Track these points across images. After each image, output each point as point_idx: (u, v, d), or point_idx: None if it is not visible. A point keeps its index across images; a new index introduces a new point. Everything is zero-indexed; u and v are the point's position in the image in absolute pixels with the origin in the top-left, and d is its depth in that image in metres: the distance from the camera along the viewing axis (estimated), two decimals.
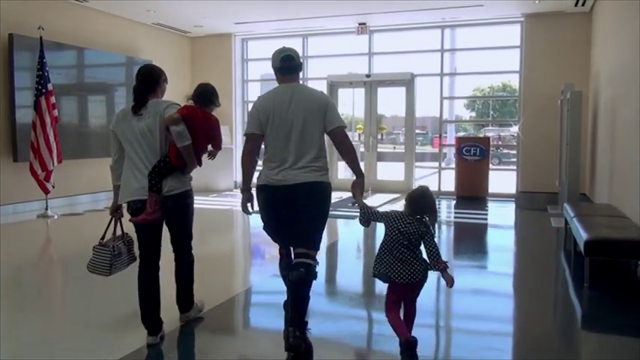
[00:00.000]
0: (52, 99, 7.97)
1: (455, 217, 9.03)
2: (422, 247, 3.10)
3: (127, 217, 3.43)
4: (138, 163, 3.25)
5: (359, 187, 3.26)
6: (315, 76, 12.28)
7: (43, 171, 7.83)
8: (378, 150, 12.24)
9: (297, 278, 3.08)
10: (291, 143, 3.17)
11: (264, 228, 3.36)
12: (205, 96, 3.44)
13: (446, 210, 9.90)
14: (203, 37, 12.41)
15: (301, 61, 3.46)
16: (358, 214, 3.20)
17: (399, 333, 3.01)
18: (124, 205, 3.39)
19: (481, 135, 21.51)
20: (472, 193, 10.39)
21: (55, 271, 5.78)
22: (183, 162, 3.24)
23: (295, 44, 11.98)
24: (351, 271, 5.75)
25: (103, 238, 3.48)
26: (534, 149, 10.23)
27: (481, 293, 4.79)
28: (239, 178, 12.14)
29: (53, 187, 8.05)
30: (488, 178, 10.46)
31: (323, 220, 3.27)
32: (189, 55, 12.57)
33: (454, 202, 10.43)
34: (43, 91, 7.86)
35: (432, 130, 38.69)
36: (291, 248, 3.34)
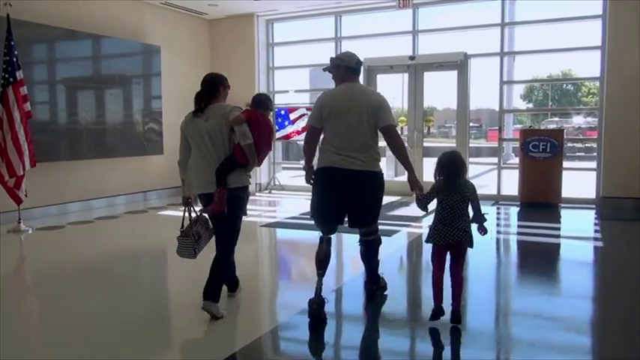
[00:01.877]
0: (23, 90, 6.62)
1: (519, 232, 7.13)
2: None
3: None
4: (204, 161, 3.63)
5: (413, 182, 3.65)
6: None
7: (11, 177, 6.49)
8: (425, 145, 10.41)
9: (367, 251, 3.87)
10: (347, 137, 3.59)
11: (312, 214, 3.80)
12: (261, 102, 3.90)
13: (506, 221, 8.00)
14: (222, 19, 10.89)
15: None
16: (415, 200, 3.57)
17: (434, 298, 3.46)
18: (192, 197, 3.84)
19: (542, 127, 19.28)
20: (540, 199, 8.43)
21: (20, 300, 4.35)
22: (246, 160, 3.60)
23: (327, 24, 10.35)
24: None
25: (182, 227, 3.82)
26: (622, 144, 8.16)
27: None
28: (260, 179, 10.60)
29: (26, 195, 6.72)
30: (561, 181, 8.45)
31: (378, 204, 3.79)
32: (207, 41, 11.08)
33: (517, 209, 8.50)
34: (11, 80, 6.50)
35: (487, 123, 36.32)
36: (330, 236, 3.76)
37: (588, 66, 9.44)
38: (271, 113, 3.90)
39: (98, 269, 5.21)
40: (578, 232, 7.03)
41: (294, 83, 11.59)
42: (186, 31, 10.54)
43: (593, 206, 8.44)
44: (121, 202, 9.10)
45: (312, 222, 3.85)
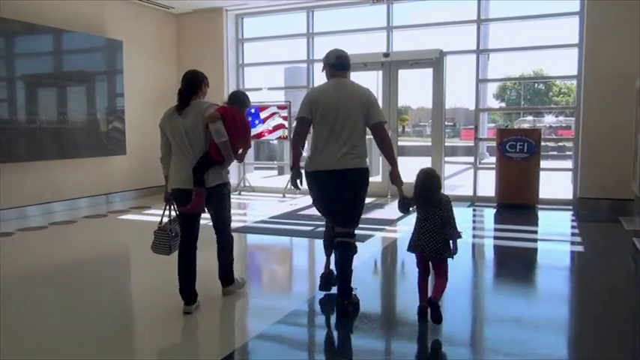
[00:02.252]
0: None
1: (495, 236, 6.85)
2: None
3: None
4: (183, 157, 3.70)
5: (396, 176, 3.73)
6: (321, 57, 10.17)
7: None
8: (400, 144, 10.13)
9: (341, 259, 3.72)
10: (335, 132, 3.62)
11: (314, 204, 3.92)
12: (237, 99, 3.96)
13: (482, 224, 7.76)
14: (189, 13, 10.43)
15: (351, 62, 3.89)
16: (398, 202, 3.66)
17: (420, 298, 3.61)
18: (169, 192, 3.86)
19: (515, 126, 19.37)
20: (518, 200, 8.20)
21: None
22: (221, 157, 3.64)
23: (299, 19, 9.97)
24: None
25: (160, 222, 3.91)
26: (599, 144, 7.99)
27: None
28: (234, 180, 10.19)
29: None
30: (538, 181, 8.24)
31: (361, 202, 3.78)
32: (173, 36, 10.61)
33: (494, 211, 8.27)
34: None
35: (460, 122, 36.41)
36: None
37: (564, 65, 9.22)
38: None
39: (37, 283, 4.75)
40: (556, 234, 6.82)
41: (266, 81, 11.22)
42: (151, 25, 10.05)
43: (571, 207, 8.26)
44: (82, 205, 8.59)
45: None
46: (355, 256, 3.81)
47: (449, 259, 3.54)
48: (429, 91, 9.34)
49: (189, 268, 3.80)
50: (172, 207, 3.90)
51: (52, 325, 3.69)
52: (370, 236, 6.29)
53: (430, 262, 3.57)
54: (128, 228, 7.34)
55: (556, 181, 10.11)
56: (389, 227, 6.91)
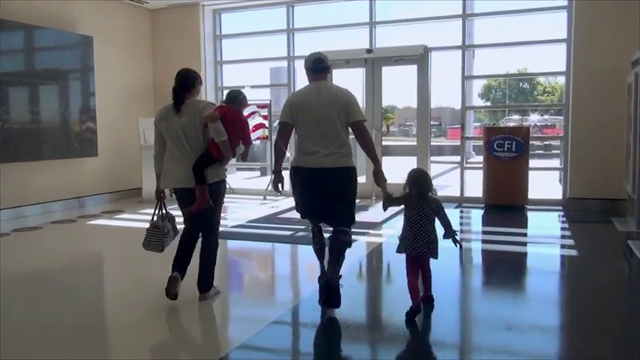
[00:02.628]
0: None
1: (483, 240, 6.50)
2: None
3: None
4: (180, 155, 3.74)
5: (379, 175, 3.73)
6: (302, 54, 9.84)
7: None
8: (384, 143, 9.82)
9: (336, 241, 3.72)
10: (318, 133, 3.66)
11: (296, 208, 3.90)
12: (235, 98, 3.92)
13: (470, 226, 7.47)
14: (165, 8, 10.02)
15: (329, 63, 3.92)
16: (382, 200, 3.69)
17: (412, 297, 3.54)
18: (167, 191, 3.96)
19: (501, 125, 19.14)
20: (506, 201, 7.92)
21: None
22: (221, 155, 3.69)
23: (278, 15, 9.63)
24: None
25: (152, 219, 3.98)
26: (588, 142, 7.74)
27: None
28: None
29: None
30: (527, 182, 7.96)
31: (352, 200, 3.79)
32: (148, 32, 10.18)
33: (482, 212, 7.98)
34: None
35: (447, 122, 36.21)
36: (321, 225, 3.91)
37: (551, 61, 8.92)
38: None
39: None
40: (546, 237, 6.53)
41: (246, 78, 10.85)
42: (125, 21, 9.61)
43: (560, 208, 7.99)
44: (53, 210, 8.15)
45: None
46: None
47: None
48: (413, 89, 9.04)
49: (189, 250, 3.90)
50: (164, 204, 3.96)
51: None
52: (353, 241, 5.94)
53: (418, 260, 3.65)
54: (96, 234, 6.93)
55: (544, 180, 9.88)
56: (373, 231, 6.58)
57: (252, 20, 10.43)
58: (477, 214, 7.94)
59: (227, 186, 4.17)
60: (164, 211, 3.97)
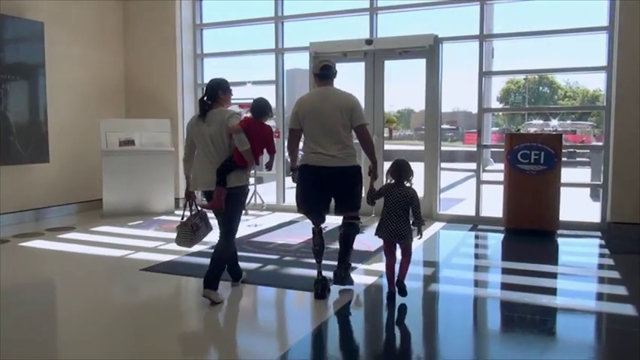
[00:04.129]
0: None
1: (502, 283, 4.96)
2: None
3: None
4: (207, 161, 4.02)
5: (374, 172, 4.06)
6: (293, 46, 8.47)
7: None
8: (386, 148, 8.39)
9: (345, 232, 4.17)
10: (324, 136, 3.96)
11: (299, 207, 4.21)
12: (259, 109, 4.15)
13: (485, 259, 5.99)
14: None
15: (336, 69, 4.20)
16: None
17: (388, 283, 4.06)
18: (197, 192, 4.28)
19: (521, 130, 17.64)
20: (533, 225, 6.46)
21: None
22: (244, 162, 3.96)
23: (266, 2, 8.31)
24: None
25: (182, 217, 4.29)
26: (636, 154, 6.27)
27: None
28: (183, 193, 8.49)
29: None
30: (559, 201, 6.50)
31: (358, 191, 4.10)
32: (119, 22, 8.88)
33: (501, 238, 6.53)
34: None
35: (463, 125, 34.56)
36: (321, 226, 4.18)
37: (586, 55, 7.33)
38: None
39: None
40: (586, 277, 5.05)
41: (232, 74, 9.49)
42: (88, 7, 8.32)
43: (599, 234, 6.51)
44: None
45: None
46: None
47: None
48: (421, 87, 7.62)
49: (230, 254, 4.27)
50: (194, 203, 4.24)
51: None
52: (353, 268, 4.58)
53: (398, 245, 4.01)
54: (25, 260, 5.61)
55: (572, 196, 8.34)
56: (366, 264, 5.18)
57: (237, 8, 9.07)
58: (495, 242, 6.50)
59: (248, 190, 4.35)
60: (195, 210, 4.25)
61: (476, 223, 7.25)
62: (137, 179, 7.89)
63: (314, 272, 4.23)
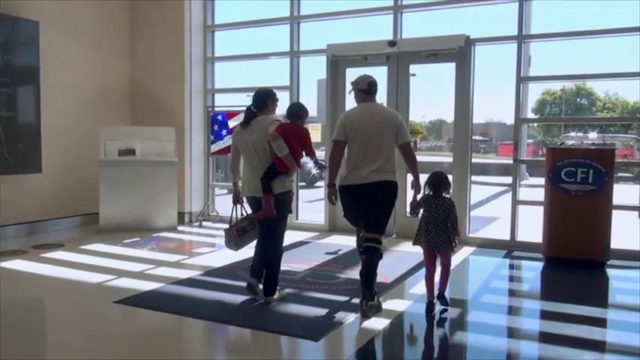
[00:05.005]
0: None
1: (541, 333, 4.00)
2: None
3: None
4: (252, 168, 4.17)
5: (417, 184, 4.14)
6: (308, 49, 7.75)
7: None
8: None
9: (367, 261, 4.07)
10: (368, 151, 4.04)
11: (345, 215, 4.32)
12: (295, 113, 4.26)
13: (519, 298, 5.05)
14: None
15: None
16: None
17: (428, 293, 4.07)
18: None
19: (559, 143, 16.57)
20: (578, 254, 5.54)
21: None
22: (286, 168, 4.06)
23: (281, 2, 7.66)
24: None
25: (230, 221, 4.41)
26: None
27: None
28: (191, 207, 7.91)
29: None
30: (610, 227, 5.57)
31: (389, 209, 4.14)
32: (126, 23, 8.32)
33: (541, 269, 5.63)
34: None
35: (496, 136, 33.27)
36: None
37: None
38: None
39: None
40: None
41: (244, 79, 8.85)
42: (93, 7, 7.78)
43: None
44: None
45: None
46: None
47: None
48: (450, 94, 6.80)
49: (262, 256, 4.31)
50: (243, 207, 4.43)
51: None
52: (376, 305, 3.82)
53: (438, 255, 4.06)
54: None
55: (624, 220, 7.30)
56: (388, 295, 4.39)
57: (251, 8, 8.40)
58: (533, 274, 5.58)
59: (292, 195, 4.39)
60: (242, 214, 4.38)
61: (511, 248, 6.36)
62: (137, 192, 7.25)
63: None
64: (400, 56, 6.97)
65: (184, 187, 8.01)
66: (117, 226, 7.14)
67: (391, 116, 4.19)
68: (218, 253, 6.14)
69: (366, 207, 4.05)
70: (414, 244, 4.14)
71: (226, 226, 4.44)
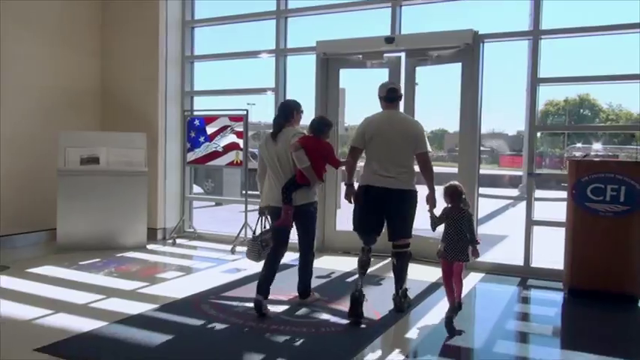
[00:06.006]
0: None
1: None
2: None
3: None
4: (275, 179, 4.21)
5: (431, 198, 4.15)
6: (297, 46, 6.93)
7: None
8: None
9: (397, 266, 4.22)
10: (388, 158, 4.13)
11: (354, 227, 4.31)
12: (317, 127, 4.24)
13: (533, 350, 4.09)
14: None
15: (401, 92, 4.45)
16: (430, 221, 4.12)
17: (448, 299, 4.09)
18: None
19: (565, 155, 16.13)
20: (607, 286, 4.67)
21: None
22: (306, 180, 4.08)
23: None
24: None
25: (254, 232, 4.74)
26: None
27: None
28: (164, 223, 7.13)
29: None
30: None
31: (411, 215, 4.26)
32: (97, 19, 7.50)
33: (562, 306, 4.76)
34: None
35: (499, 149, 32.39)
36: (371, 246, 4.32)
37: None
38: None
39: None
40: None
41: (224, 81, 8.02)
42: (65, 8, 6.99)
43: None
44: None
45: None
46: None
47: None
48: (454, 98, 5.98)
49: (271, 270, 4.24)
50: (267, 219, 4.38)
51: None
52: None
53: (455, 265, 4.04)
54: None
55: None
56: (368, 351, 3.52)
57: (234, 3, 7.58)
58: (553, 312, 4.62)
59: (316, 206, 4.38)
60: (268, 226, 4.36)
61: (525, 276, 5.50)
62: (101, 206, 6.42)
63: None
64: (401, 56, 6.15)
65: (157, 200, 7.16)
66: (77, 245, 6.30)
67: (411, 125, 4.26)
68: (186, 279, 5.31)
69: (385, 214, 4.16)
70: (439, 255, 4.13)
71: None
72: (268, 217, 4.36)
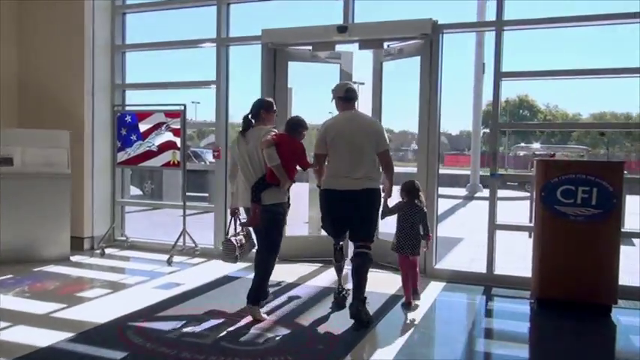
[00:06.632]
0: None
1: None
2: None
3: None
4: (246, 179, 4.12)
5: (388, 189, 4.24)
6: (240, 35, 6.32)
7: None
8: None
9: (358, 264, 4.08)
10: (350, 159, 4.07)
11: (323, 225, 4.37)
12: (292, 127, 4.19)
13: None
14: None
15: (358, 93, 4.41)
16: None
17: (405, 293, 4.46)
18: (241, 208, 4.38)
19: (520, 154, 16.24)
20: (578, 296, 4.33)
21: None
22: (276, 179, 3.97)
23: None
24: None
25: (227, 233, 4.51)
26: None
27: None
28: (92, 231, 6.48)
29: None
30: (618, 262, 4.38)
31: (375, 218, 4.24)
32: (13, 3, 6.63)
33: (530, 319, 4.39)
34: None
35: (442, 148, 32.58)
36: (342, 243, 4.44)
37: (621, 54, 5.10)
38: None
39: None
40: None
41: (158, 73, 7.29)
42: None
43: None
44: None
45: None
46: None
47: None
48: (413, 94, 5.54)
49: (272, 268, 4.20)
50: (238, 220, 4.35)
51: None
52: None
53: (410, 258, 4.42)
54: None
55: (632, 252, 6.10)
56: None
57: None
58: (521, 324, 4.28)
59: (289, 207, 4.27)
60: (239, 227, 4.32)
61: (488, 284, 5.11)
62: (15, 213, 5.63)
63: None
64: (354, 47, 5.67)
65: (83, 205, 6.38)
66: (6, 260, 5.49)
67: (370, 123, 4.27)
68: (112, 298, 4.61)
69: (350, 216, 4.09)
70: (393, 249, 4.47)
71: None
72: (239, 218, 4.36)
